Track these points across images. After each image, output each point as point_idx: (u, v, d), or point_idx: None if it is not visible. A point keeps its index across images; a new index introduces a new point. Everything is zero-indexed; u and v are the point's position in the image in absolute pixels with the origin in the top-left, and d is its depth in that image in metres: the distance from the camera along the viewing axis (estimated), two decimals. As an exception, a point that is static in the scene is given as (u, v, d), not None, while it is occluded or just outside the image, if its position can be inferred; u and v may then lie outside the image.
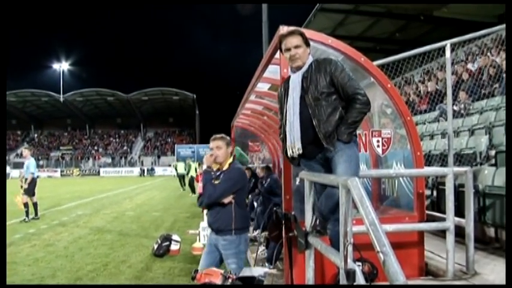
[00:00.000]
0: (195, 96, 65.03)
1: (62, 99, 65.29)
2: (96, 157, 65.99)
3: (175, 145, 64.64)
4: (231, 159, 4.40)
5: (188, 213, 14.20)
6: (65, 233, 10.22)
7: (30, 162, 12.91)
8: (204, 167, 4.37)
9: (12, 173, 56.64)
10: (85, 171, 60.68)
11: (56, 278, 6.38)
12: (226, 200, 4.19)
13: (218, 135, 4.40)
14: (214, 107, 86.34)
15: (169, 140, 71.78)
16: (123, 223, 11.88)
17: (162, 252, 7.67)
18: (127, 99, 65.14)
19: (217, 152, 4.30)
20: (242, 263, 4.26)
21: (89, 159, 66.28)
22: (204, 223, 8.89)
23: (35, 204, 12.78)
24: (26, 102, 67.06)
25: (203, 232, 8.62)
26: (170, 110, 72.03)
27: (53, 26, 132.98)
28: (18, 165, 62.70)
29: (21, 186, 12.61)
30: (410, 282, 4.15)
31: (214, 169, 4.38)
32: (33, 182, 12.69)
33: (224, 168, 4.34)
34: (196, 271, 4.66)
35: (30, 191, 12.60)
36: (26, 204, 12.42)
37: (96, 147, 70.11)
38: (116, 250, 8.25)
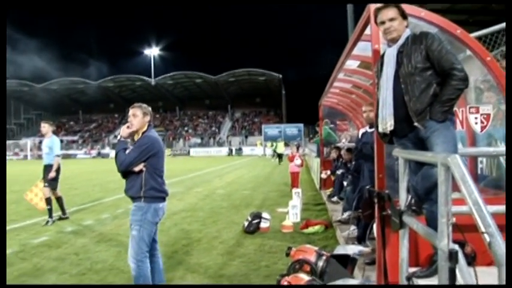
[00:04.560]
0: (281, 76, 65.22)
1: (153, 83, 68.52)
2: (186, 138, 68.52)
3: (263, 125, 65.44)
4: (145, 128, 4.33)
5: (277, 191, 14.41)
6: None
7: (53, 140, 9.32)
8: (118, 137, 4.31)
9: (111, 153, 60.92)
10: (176, 151, 63.20)
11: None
12: (136, 168, 4.13)
13: (137, 104, 4.36)
14: (300, 87, 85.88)
15: (256, 120, 72.87)
16: (214, 201, 12.28)
17: (252, 229, 7.87)
18: (214, 81, 66.94)
19: (132, 119, 4.25)
20: (145, 233, 4.21)
21: (179, 139, 69.05)
22: (293, 201, 9.01)
23: (59, 200, 9.52)
24: (122, 86, 71.49)
25: (292, 210, 8.75)
26: (257, 91, 72.99)
27: (143, 16, 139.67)
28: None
29: (43, 177, 9.28)
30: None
31: (135, 139, 4.34)
32: (58, 169, 9.30)
33: (137, 138, 4.31)
34: (290, 248, 4.76)
35: (54, 181, 9.25)
36: (48, 200, 9.19)
37: (186, 128, 72.88)
38: (208, 226, 8.56)
